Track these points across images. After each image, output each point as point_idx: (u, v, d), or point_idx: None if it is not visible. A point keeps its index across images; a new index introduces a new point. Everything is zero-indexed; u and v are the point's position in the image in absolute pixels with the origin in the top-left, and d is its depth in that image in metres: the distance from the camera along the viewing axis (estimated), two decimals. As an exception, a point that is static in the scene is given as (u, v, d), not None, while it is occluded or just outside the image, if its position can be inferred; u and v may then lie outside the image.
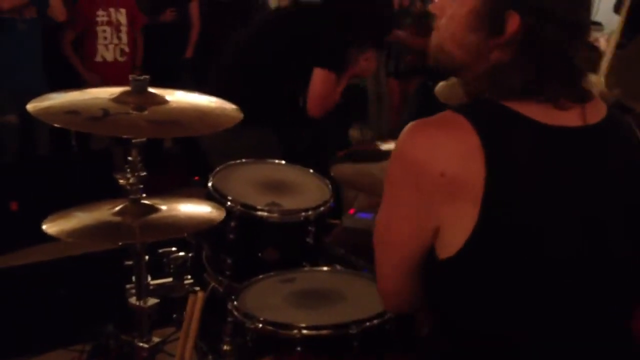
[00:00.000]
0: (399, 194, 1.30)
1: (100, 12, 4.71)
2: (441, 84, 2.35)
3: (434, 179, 1.22)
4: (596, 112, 1.34)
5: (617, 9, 5.28)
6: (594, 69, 2.80)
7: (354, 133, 7.01)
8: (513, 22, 1.26)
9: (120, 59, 4.76)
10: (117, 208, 1.99)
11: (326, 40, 3.09)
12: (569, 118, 1.29)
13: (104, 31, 4.70)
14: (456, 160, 1.21)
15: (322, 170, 2.50)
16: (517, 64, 1.28)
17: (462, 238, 1.22)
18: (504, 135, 1.24)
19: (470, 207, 1.21)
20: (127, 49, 4.81)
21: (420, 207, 1.26)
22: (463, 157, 1.21)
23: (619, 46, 2.62)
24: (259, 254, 2.22)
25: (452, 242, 1.24)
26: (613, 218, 1.30)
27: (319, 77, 3.08)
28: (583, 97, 1.31)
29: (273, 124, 3.18)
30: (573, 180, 1.27)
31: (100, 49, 4.70)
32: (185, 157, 5.80)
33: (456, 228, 1.23)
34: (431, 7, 1.43)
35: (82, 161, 4.75)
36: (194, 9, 5.74)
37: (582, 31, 1.31)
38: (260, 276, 2.10)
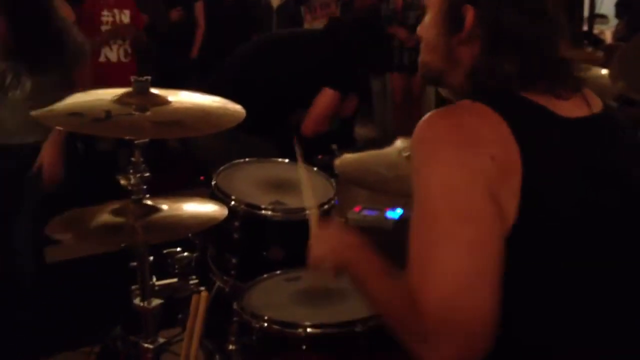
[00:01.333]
0: (456, 185, 1.15)
1: (104, 13, 4.71)
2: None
3: (488, 161, 1.15)
4: (596, 102, 1.34)
5: (619, 13, 5.22)
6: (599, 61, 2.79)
7: (359, 130, 7.01)
8: (469, 16, 1.26)
9: (124, 59, 4.76)
10: (120, 209, 1.99)
11: (341, 64, 3.19)
12: (575, 108, 1.28)
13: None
14: (498, 145, 1.16)
15: (327, 168, 2.50)
16: (487, 59, 1.26)
17: (508, 225, 1.16)
18: (528, 124, 1.22)
19: (512, 194, 1.15)
20: (130, 50, 4.81)
21: (482, 190, 1.14)
22: (502, 144, 1.17)
23: (622, 39, 2.61)
24: (264, 253, 2.22)
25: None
26: (633, 204, 1.29)
27: (327, 97, 3.16)
28: (578, 85, 1.30)
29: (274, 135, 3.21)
30: (593, 166, 1.26)
31: (104, 49, 4.70)
32: (191, 157, 5.80)
33: (504, 215, 1.15)
34: (417, 31, 1.43)
35: (87, 163, 4.76)
36: (199, 10, 5.75)
37: (547, 17, 1.28)
38: (265, 275, 2.10)
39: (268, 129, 3.18)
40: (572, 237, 1.21)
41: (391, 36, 5.92)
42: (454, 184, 1.15)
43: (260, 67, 3.25)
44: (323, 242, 1.50)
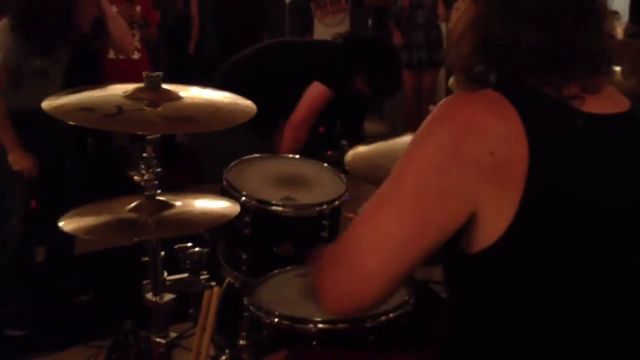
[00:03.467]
0: (432, 171, 1.17)
1: (113, 8, 4.71)
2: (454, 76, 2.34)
3: (484, 156, 1.15)
4: (623, 100, 1.31)
5: (635, 18, 5.15)
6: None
7: (369, 126, 7.00)
8: None
9: (133, 56, 4.76)
10: (133, 205, 2.00)
11: (336, 61, 3.18)
12: (603, 104, 1.26)
13: None
14: (504, 141, 1.15)
15: (337, 164, 2.50)
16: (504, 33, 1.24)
17: (502, 226, 1.16)
18: (543, 118, 1.20)
19: (512, 193, 1.15)
20: (140, 46, 4.80)
21: (461, 185, 1.16)
22: (509, 139, 1.16)
23: (633, 35, 2.60)
24: (274, 249, 2.22)
25: (490, 231, 1.17)
26: None
27: (316, 90, 3.12)
28: (608, 77, 1.27)
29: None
30: (611, 167, 1.24)
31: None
32: (198, 157, 5.81)
33: (496, 215, 1.16)
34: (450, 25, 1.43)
35: (99, 158, 4.77)
36: (193, 4, 5.77)
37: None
38: (276, 271, 2.11)
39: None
40: (574, 231, 1.20)
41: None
42: (427, 169, 1.18)
43: (270, 63, 3.26)
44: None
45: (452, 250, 1.23)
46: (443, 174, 1.17)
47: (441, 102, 1.23)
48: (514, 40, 1.22)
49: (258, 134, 2.96)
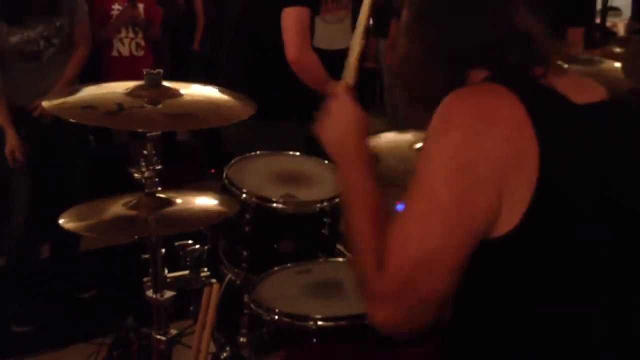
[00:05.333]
0: (461, 163, 1.17)
1: (115, 6, 4.71)
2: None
3: (501, 143, 1.16)
4: (600, 89, 1.34)
5: (638, 15, 5.14)
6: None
7: (371, 123, 6.98)
8: None
9: (136, 53, 4.76)
10: (133, 202, 2.00)
11: None
12: (584, 94, 1.28)
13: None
14: (515, 127, 1.17)
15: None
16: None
17: (520, 212, 1.16)
18: (544, 108, 1.22)
19: (527, 178, 1.16)
20: (143, 43, 4.80)
21: (487, 173, 1.15)
22: (518, 126, 1.17)
23: (635, 31, 2.59)
24: (275, 246, 2.22)
25: (510, 217, 1.17)
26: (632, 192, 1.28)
27: (290, 16, 2.95)
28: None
29: (298, 117, 3.17)
30: (609, 152, 1.26)
31: (116, 43, 4.70)
32: (203, 150, 5.82)
33: (515, 201, 1.16)
34: None
35: (100, 156, 4.78)
36: (198, 1, 5.76)
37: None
38: (276, 268, 2.11)
39: (287, 108, 3.11)
40: (586, 224, 1.21)
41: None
42: (454, 167, 1.17)
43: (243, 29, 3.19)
44: (337, 109, 1.47)
45: None
46: (471, 170, 1.16)
47: (446, 98, 1.23)
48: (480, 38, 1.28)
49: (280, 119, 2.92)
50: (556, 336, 1.23)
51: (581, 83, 1.33)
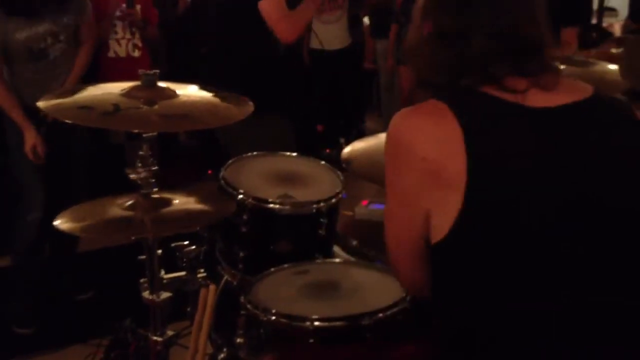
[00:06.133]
0: (393, 178, 1.38)
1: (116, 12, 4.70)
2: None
3: (417, 162, 1.29)
4: (577, 91, 1.36)
5: (634, 16, 5.15)
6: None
7: (368, 124, 7.01)
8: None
9: (133, 54, 4.76)
10: (129, 203, 2.00)
11: None
12: (554, 98, 1.32)
13: (115, 25, 4.69)
14: (436, 145, 1.27)
15: (334, 162, 2.50)
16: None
17: (449, 222, 1.26)
18: (483, 119, 1.28)
19: (454, 192, 1.25)
20: (140, 44, 4.80)
21: (410, 189, 1.33)
22: (443, 143, 1.26)
23: (631, 32, 2.60)
24: (272, 247, 2.22)
25: (440, 226, 1.28)
26: (602, 192, 1.30)
27: (265, 5, 3.04)
28: (535, 71, 1.33)
29: (289, 113, 3.18)
30: (555, 158, 1.28)
31: (112, 44, 4.69)
32: (201, 151, 5.82)
33: (443, 212, 1.27)
34: None
35: (96, 156, 4.77)
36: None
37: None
38: (273, 269, 2.11)
39: (274, 101, 3.13)
40: (516, 226, 1.25)
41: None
42: (390, 187, 1.40)
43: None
44: None
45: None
46: (398, 188, 1.38)
47: (394, 117, 1.37)
48: (465, 35, 1.33)
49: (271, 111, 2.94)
50: (517, 335, 1.27)
51: (562, 84, 1.35)
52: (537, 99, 1.30)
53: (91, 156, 3.85)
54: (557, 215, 1.27)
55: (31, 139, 3.32)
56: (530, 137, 1.28)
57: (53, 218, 1.95)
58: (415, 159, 1.29)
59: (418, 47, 1.43)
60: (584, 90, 1.37)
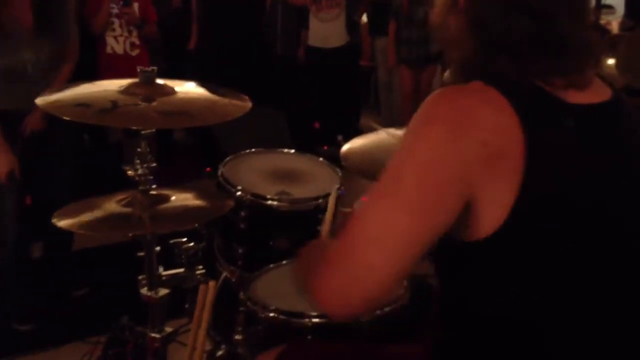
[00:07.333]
0: (432, 158, 1.17)
1: (110, 5, 4.69)
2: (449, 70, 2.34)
3: (477, 147, 1.15)
4: (603, 91, 1.33)
5: (631, 13, 5.15)
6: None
7: (365, 121, 7.00)
8: None
9: (131, 52, 4.76)
10: (127, 199, 2.00)
11: None
12: (587, 95, 1.27)
13: (112, 23, 4.69)
14: (497, 132, 1.16)
15: (333, 159, 2.51)
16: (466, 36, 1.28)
17: (501, 216, 1.16)
18: (536, 110, 1.21)
19: (509, 184, 1.15)
20: (138, 42, 4.80)
21: (455, 174, 1.16)
22: (502, 130, 1.16)
23: (628, 29, 2.60)
24: (270, 243, 2.22)
25: (488, 221, 1.17)
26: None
27: None
28: (576, 71, 1.27)
29: (285, 110, 3.19)
30: (605, 154, 1.26)
31: (110, 41, 4.69)
32: (200, 149, 5.82)
33: (494, 205, 1.16)
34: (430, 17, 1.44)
35: (95, 154, 4.77)
36: (194, 1, 5.76)
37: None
38: (271, 265, 2.11)
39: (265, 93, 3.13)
40: (574, 221, 1.20)
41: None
42: (425, 163, 1.17)
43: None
44: None
45: (448, 240, 1.22)
46: (440, 167, 1.16)
47: (431, 95, 1.23)
48: (507, 29, 1.23)
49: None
50: (544, 341, 1.23)
51: (593, 83, 1.31)
52: (576, 96, 1.25)
53: (85, 155, 3.79)
54: (612, 211, 1.25)
55: (8, 164, 3.13)
56: (578, 131, 1.24)
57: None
58: (475, 144, 1.15)
59: (448, 24, 1.33)
60: (607, 89, 1.34)
